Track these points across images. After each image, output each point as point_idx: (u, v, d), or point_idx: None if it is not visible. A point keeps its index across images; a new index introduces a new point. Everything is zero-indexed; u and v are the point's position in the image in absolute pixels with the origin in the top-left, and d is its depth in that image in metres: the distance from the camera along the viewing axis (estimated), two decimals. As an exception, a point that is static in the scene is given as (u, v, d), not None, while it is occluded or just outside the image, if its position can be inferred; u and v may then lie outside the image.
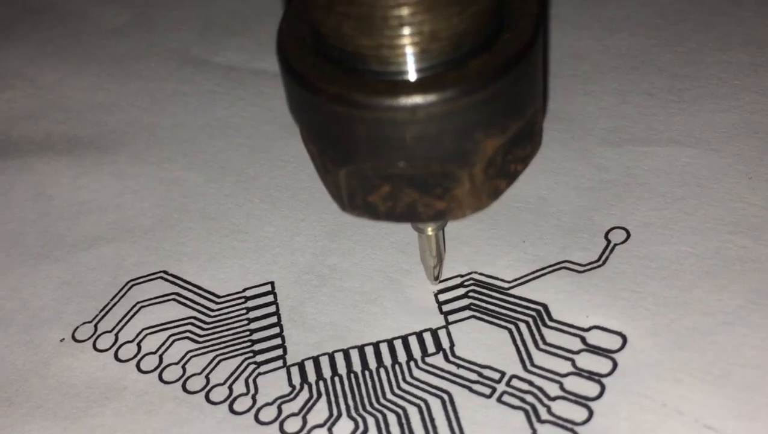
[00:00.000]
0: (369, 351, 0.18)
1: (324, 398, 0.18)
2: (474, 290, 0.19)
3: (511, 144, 0.16)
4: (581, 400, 0.17)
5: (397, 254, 0.20)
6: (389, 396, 0.18)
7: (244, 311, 0.20)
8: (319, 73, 0.15)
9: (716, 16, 0.24)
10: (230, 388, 0.18)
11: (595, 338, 0.18)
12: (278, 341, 0.19)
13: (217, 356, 0.19)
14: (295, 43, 0.16)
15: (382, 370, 0.18)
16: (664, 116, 0.22)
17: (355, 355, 0.18)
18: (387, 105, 0.14)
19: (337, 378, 0.18)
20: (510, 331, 0.18)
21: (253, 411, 0.18)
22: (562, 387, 0.17)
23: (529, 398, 0.17)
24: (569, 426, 0.16)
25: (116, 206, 0.23)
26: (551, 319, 0.18)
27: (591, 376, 0.17)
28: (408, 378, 0.18)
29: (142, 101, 0.26)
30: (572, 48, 0.24)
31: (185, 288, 0.20)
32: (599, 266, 0.19)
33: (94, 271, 0.21)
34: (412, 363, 0.18)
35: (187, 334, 0.19)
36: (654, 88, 0.23)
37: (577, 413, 0.17)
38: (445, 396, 0.17)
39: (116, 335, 0.20)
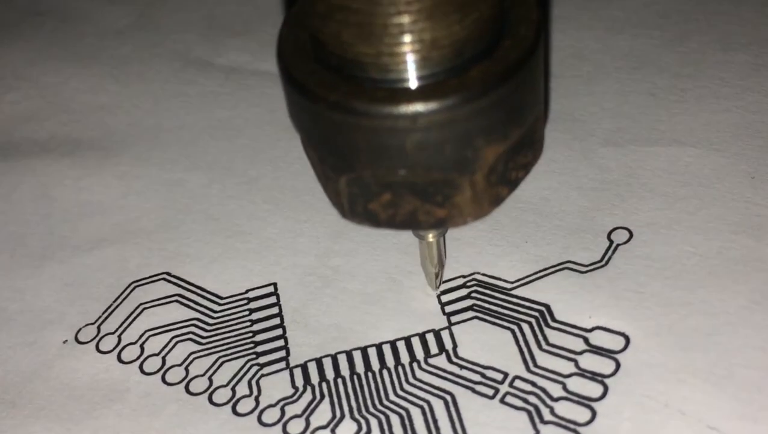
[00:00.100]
0: (372, 353, 0.18)
1: (327, 399, 0.18)
2: (477, 291, 0.19)
3: (513, 151, 0.16)
4: (584, 401, 0.17)
5: (400, 255, 0.20)
6: (392, 397, 0.18)
7: (247, 312, 0.20)
8: (319, 80, 0.15)
9: (718, 16, 0.24)
10: (233, 390, 0.18)
11: (598, 338, 0.18)
12: (281, 342, 0.19)
13: (220, 357, 0.19)
14: (295, 50, 0.16)
15: (384, 371, 0.18)
16: (666, 116, 0.22)
17: (357, 356, 0.18)
18: (387, 113, 0.14)
19: (340, 380, 0.18)
20: (513, 332, 0.18)
21: (256, 412, 0.18)
22: (565, 388, 0.17)
23: (532, 399, 0.17)
24: (572, 426, 0.16)
25: (119, 207, 0.23)
26: (554, 320, 0.18)
27: (594, 377, 0.17)
28: (411, 380, 0.18)
29: (145, 103, 0.26)
30: (574, 49, 0.24)
31: (188, 290, 0.20)
32: (602, 266, 0.19)
33: (97, 273, 0.21)
34: (414, 365, 0.18)
35: (190, 336, 0.19)
36: (656, 89, 0.23)
37: (580, 414, 0.17)
38: (448, 397, 0.17)
39: (119, 336, 0.20)
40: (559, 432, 0.16)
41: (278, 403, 0.18)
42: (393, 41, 0.14)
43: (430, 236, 0.18)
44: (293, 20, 0.16)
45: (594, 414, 0.17)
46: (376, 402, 0.18)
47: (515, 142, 0.16)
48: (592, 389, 0.17)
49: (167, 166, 0.24)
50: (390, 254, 0.20)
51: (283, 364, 0.18)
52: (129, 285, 0.21)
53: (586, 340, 0.18)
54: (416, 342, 0.18)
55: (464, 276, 0.19)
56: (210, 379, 0.19)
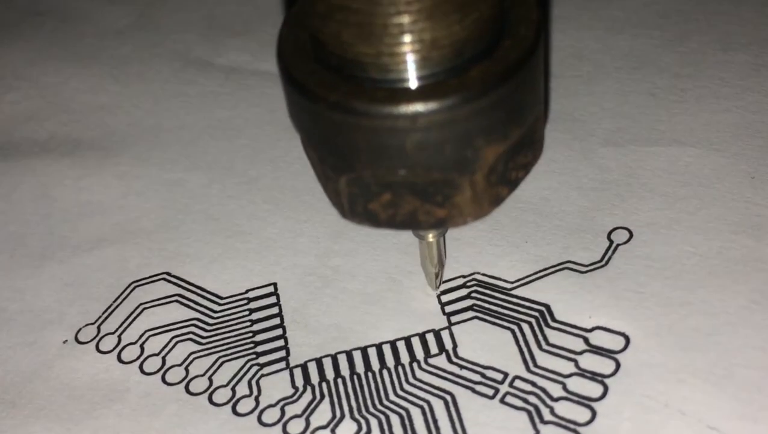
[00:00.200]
0: (372, 353, 0.18)
1: (327, 399, 0.18)
2: (476, 291, 0.19)
3: (513, 151, 0.16)
4: (584, 401, 0.17)
5: (400, 255, 0.20)
6: (392, 397, 0.18)
7: (247, 312, 0.20)
8: (319, 80, 0.15)
9: (718, 16, 0.24)
10: (233, 390, 0.18)
11: (598, 338, 0.18)
12: (281, 342, 0.19)
13: (220, 357, 0.19)
14: (295, 50, 0.16)
15: (385, 371, 0.18)
16: (666, 116, 0.22)
17: (358, 356, 0.18)
18: (387, 113, 0.14)
19: (340, 380, 0.18)
20: (513, 332, 0.18)
21: (256, 412, 0.18)
22: (565, 388, 0.17)
23: (532, 399, 0.17)
24: (572, 426, 0.16)
25: (119, 207, 0.23)
26: (554, 320, 0.18)
27: (594, 377, 0.17)
28: (411, 380, 0.18)
29: (145, 103, 0.26)
30: (574, 49, 0.24)
31: (188, 290, 0.20)
32: (602, 266, 0.19)
33: (97, 273, 0.21)
34: (414, 365, 0.18)
35: (190, 336, 0.19)
36: (656, 89, 0.23)
37: (580, 414, 0.17)
38: (448, 397, 0.17)
39: (119, 336, 0.20)
40: (559, 432, 0.16)
41: (278, 403, 0.18)
42: (393, 41, 0.14)
43: (430, 236, 0.18)
44: (293, 20, 0.16)
45: (594, 414, 0.17)
46: (376, 402, 0.18)
47: (515, 142, 0.16)
48: (592, 389, 0.17)
49: (167, 166, 0.24)
50: (390, 254, 0.20)
51: (283, 364, 0.18)
52: (129, 285, 0.21)
53: (586, 340, 0.18)
54: (416, 342, 0.18)
55: (464, 276, 0.19)
56: (210, 379, 0.19)
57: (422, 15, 0.14)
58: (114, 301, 0.20)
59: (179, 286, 0.21)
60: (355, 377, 0.18)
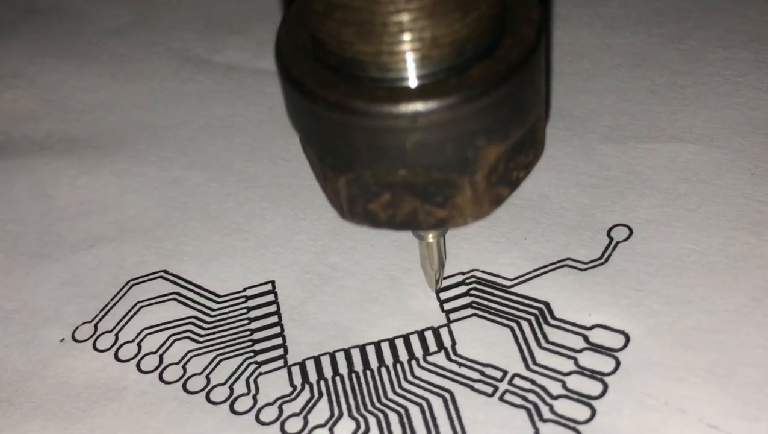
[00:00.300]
0: (370, 350, 0.18)
1: (325, 398, 0.18)
2: (476, 288, 0.19)
3: (514, 151, 0.16)
4: (584, 399, 0.17)
5: (399, 252, 0.20)
6: (391, 395, 0.18)
7: (245, 310, 0.20)
8: (317, 79, 0.15)
9: (718, 13, 0.24)
10: (231, 388, 0.18)
11: (597, 336, 0.18)
12: (279, 340, 0.19)
13: (217, 356, 0.19)
14: (294, 49, 0.16)
15: (383, 369, 0.18)
16: (666, 113, 0.22)
17: (356, 354, 0.18)
18: (387, 112, 0.14)
19: (338, 378, 0.18)
20: (512, 329, 0.18)
21: (254, 411, 0.18)
22: (564, 386, 0.17)
23: (532, 397, 0.17)
24: (572, 424, 0.16)
25: (117, 205, 0.23)
26: (553, 317, 0.18)
27: (594, 375, 0.17)
28: (410, 377, 0.18)
29: (143, 101, 0.26)
30: (574, 46, 0.24)
31: (186, 288, 0.20)
32: (602, 264, 0.19)
33: (94, 271, 0.21)
34: (413, 362, 0.18)
35: (188, 334, 0.19)
36: (656, 86, 0.23)
37: (580, 412, 0.17)
38: (447, 395, 0.17)
39: (116, 335, 0.20)
40: (558, 430, 0.16)
41: (276, 401, 0.18)
42: (393, 40, 0.14)
43: (430, 237, 0.18)
44: (292, 19, 0.16)
45: (594, 412, 0.16)
46: (375, 400, 0.17)
47: (516, 141, 0.16)
48: (592, 387, 0.17)
49: (165, 164, 0.24)
50: (389, 252, 0.20)
51: (281, 362, 0.18)
52: (126, 283, 0.21)
53: (585, 338, 0.18)
54: (415, 340, 0.18)
55: (463, 273, 0.19)
56: (207, 377, 0.18)
57: (422, 13, 0.14)
58: (111, 299, 0.20)
59: (177, 284, 0.20)
60: (353, 375, 0.18)
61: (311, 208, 0.21)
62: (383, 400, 0.17)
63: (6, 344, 0.20)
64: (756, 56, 0.23)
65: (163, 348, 0.19)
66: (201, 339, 0.19)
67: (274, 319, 0.19)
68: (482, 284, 0.19)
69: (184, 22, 0.28)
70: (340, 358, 0.18)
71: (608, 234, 0.19)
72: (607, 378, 0.17)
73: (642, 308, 0.18)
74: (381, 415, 0.17)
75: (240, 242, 0.21)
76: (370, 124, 0.15)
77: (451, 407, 0.17)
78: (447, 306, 0.19)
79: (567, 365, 0.17)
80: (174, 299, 0.20)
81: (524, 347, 0.18)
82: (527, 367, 0.17)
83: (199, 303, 0.20)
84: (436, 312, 0.19)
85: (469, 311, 0.19)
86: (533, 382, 0.17)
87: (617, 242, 0.19)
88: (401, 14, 0.14)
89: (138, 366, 0.19)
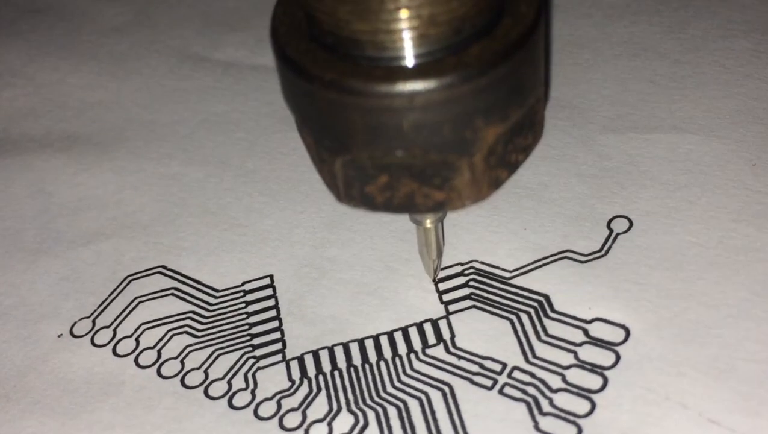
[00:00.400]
0: (369, 344, 0.18)
1: (324, 392, 0.18)
2: (475, 280, 0.19)
3: (513, 133, 0.16)
4: (584, 392, 0.17)
5: (397, 242, 0.20)
6: (389, 389, 0.17)
7: (243, 305, 0.20)
8: (313, 59, 0.15)
9: (718, 2, 0.24)
10: (229, 383, 0.18)
11: (597, 330, 0.17)
12: (277, 335, 0.19)
13: (216, 350, 0.19)
14: (290, 29, 0.16)
15: (382, 363, 0.18)
16: (666, 103, 0.22)
17: (354, 349, 0.18)
18: (384, 92, 0.14)
19: (336, 372, 0.18)
20: (511, 322, 0.18)
21: (253, 406, 0.18)
22: (564, 379, 0.17)
23: (531, 390, 0.17)
24: (572, 418, 0.16)
25: (115, 202, 0.23)
26: (553, 310, 0.18)
27: (594, 368, 0.17)
28: (408, 371, 0.18)
29: (142, 98, 0.26)
30: (573, 36, 0.24)
31: (184, 283, 0.20)
32: (602, 256, 0.19)
33: (92, 266, 0.21)
34: (412, 355, 0.18)
35: (186, 329, 0.19)
36: (656, 76, 0.22)
37: (580, 405, 0.16)
38: (446, 389, 0.17)
39: (114, 330, 0.20)
40: (558, 424, 0.16)
41: (275, 396, 0.18)
42: (390, 17, 0.14)
43: (428, 222, 0.18)
44: None
45: (594, 405, 0.16)
46: (374, 394, 0.17)
47: (515, 123, 0.16)
48: (592, 381, 0.17)
49: (164, 160, 0.23)
50: (387, 242, 0.20)
51: (279, 357, 0.18)
52: (124, 279, 0.21)
53: (585, 331, 0.18)
54: (414, 332, 0.18)
55: (462, 264, 0.19)
56: (206, 372, 0.18)
57: None
58: (109, 295, 0.20)
59: (175, 279, 0.20)
60: (352, 369, 0.18)
61: (309, 201, 0.21)
62: (382, 394, 0.17)
63: (4, 339, 0.20)
64: (756, 46, 0.23)
65: (162, 343, 0.19)
66: (199, 334, 0.19)
67: (273, 313, 0.19)
68: (481, 275, 0.19)
69: (183, 20, 0.28)
70: (339, 352, 0.18)
71: (608, 226, 0.19)
72: (607, 372, 0.17)
73: (642, 302, 0.18)
74: (380, 409, 0.17)
75: (238, 237, 0.21)
76: (366, 104, 0.14)
77: (450, 400, 0.17)
78: (446, 297, 0.19)
79: (567, 358, 0.17)
80: (172, 294, 0.20)
81: (524, 340, 0.18)
82: (527, 360, 0.17)
83: (197, 298, 0.20)
84: (435, 304, 0.19)
85: (468, 303, 0.19)
86: (533, 375, 0.17)
87: (617, 234, 0.19)
88: None
89: (136, 361, 0.19)
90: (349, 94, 0.14)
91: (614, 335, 0.17)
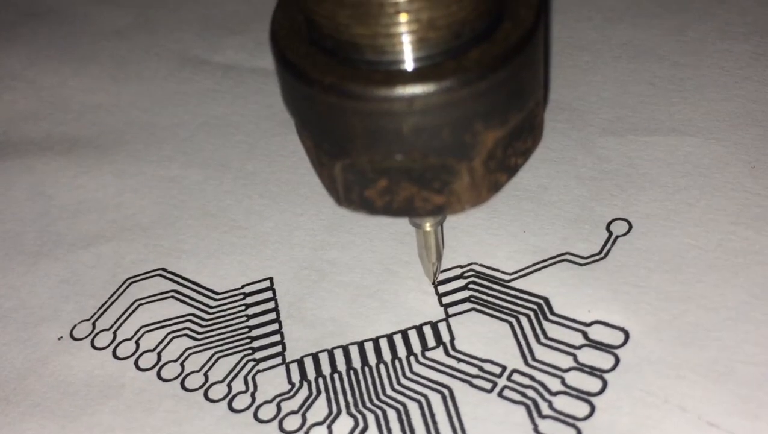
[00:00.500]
0: (368, 347, 0.18)
1: (323, 395, 0.18)
2: (474, 282, 0.19)
3: (512, 137, 0.16)
4: (583, 395, 0.17)
5: (397, 245, 0.20)
6: (389, 392, 0.17)
7: (243, 307, 0.20)
8: (313, 62, 0.15)
9: (718, 5, 0.24)
10: (229, 386, 0.18)
11: (596, 333, 0.18)
12: (277, 337, 0.19)
13: (215, 353, 0.19)
14: (289, 33, 0.16)
15: (381, 366, 0.18)
16: (665, 106, 0.22)
17: (354, 351, 0.18)
18: (383, 96, 0.14)
19: (336, 375, 0.18)
20: (511, 324, 0.18)
21: (252, 408, 0.18)
22: (563, 382, 0.17)
23: (531, 393, 0.17)
24: (571, 421, 0.16)
25: (115, 204, 0.23)
26: (552, 313, 0.18)
27: (593, 371, 0.17)
28: (408, 373, 0.18)
29: (142, 102, 0.26)
30: (573, 38, 0.24)
31: (184, 285, 0.20)
32: (601, 258, 0.19)
33: (92, 269, 0.21)
34: (412, 358, 0.18)
35: (186, 331, 0.19)
36: (655, 78, 0.22)
37: (579, 408, 0.16)
38: (446, 391, 0.17)
39: (114, 333, 0.20)
40: (557, 427, 0.16)
41: (274, 399, 0.18)
42: (389, 22, 0.14)
43: (428, 226, 0.18)
44: (288, 2, 0.16)
45: (593, 408, 0.16)
46: (373, 397, 0.17)
47: (515, 127, 0.16)
48: (591, 383, 0.17)
49: (164, 163, 0.24)
50: (387, 245, 0.20)
51: (279, 359, 0.18)
52: (124, 282, 0.21)
53: (585, 334, 0.18)
54: (413, 335, 0.18)
55: (461, 266, 0.19)
56: (206, 375, 0.18)
57: None
58: (109, 297, 0.20)
59: (175, 282, 0.20)
60: (351, 372, 0.18)
61: (309, 204, 0.21)
62: (382, 397, 0.17)
63: (4, 342, 0.20)
64: (756, 48, 0.23)
65: (161, 346, 0.19)
66: (199, 337, 0.19)
67: (272, 316, 0.19)
68: (481, 278, 0.19)
69: (183, 24, 0.28)
70: (339, 355, 0.18)
71: (607, 228, 0.19)
72: (606, 375, 0.17)
73: (641, 305, 0.18)
74: (379, 412, 0.17)
75: (238, 239, 0.21)
76: (366, 107, 0.14)
77: (449, 403, 0.17)
78: (445, 300, 0.19)
79: (566, 361, 0.17)
80: (172, 296, 0.20)
81: (523, 342, 0.18)
82: (526, 363, 0.17)
83: (197, 301, 0.20)
84: (435, 307, 0.19)
85: (468, 305, 0.19)
86: (532, 378, 0.17)
87: (617, 237, 0.19)
88: None
89: (136, 363, 0.19)
90: (348, 98, 0.14)
91: (613, 337, 0.17)
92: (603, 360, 0.17)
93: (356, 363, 0.18)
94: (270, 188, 0.22)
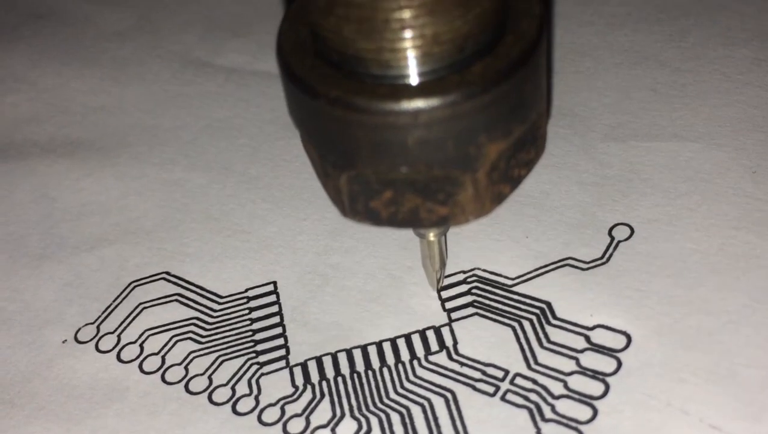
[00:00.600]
0: (372, 351, 0.18)
1: (327, 398, 0.18)
2: (477, 288, 0.19)
3: (515, 148, 0.16)
4: (585, 399, 0.17)
5: (400, 250, 0.20)
6: (392, 395, 0.18)
7: (247, 311, 0.20)
8: (319, 76, 0.15)
9: (719, 11, 0.24)
10: (233, 389, 0.18)
11: (599, 337, 0.18)
12: (281, 341, 0.19)
13: (219, 356, 0.19)
14: (295, 46, 0.16)
15: (385, 370, 0.18)
16: (667, 111, 0.22)
17: (358, 355, 0.18)
18: (388, 109, 0.14)
19: (340, 378, 0.18)
20: (514, 329, 0.18)
21: (256, 412, 0.18)
22: (566, 386, 0.17)
23: (533, 396, 0.17)
24: (573, 425, 0.16)
25: (119, 207, 0.23)
26: (555, 317, 0.18)
27: (595, 375, 0.17)
28: (411, 377, 0.18)
29: (145, 104, 0.26)
30: (575, 44, 0.24)
31: (188, 289, 0.20)
32: (603, 263, 0.19)
33: (96, 272, 0.21)
34: (415, 362, 0.18)
35: (190, 335, 0.19)
36: (657, 84, 0.23)
37: (582, 412, 0.17)
38: (449, 395, 0.17)
39: (119, 336, 0.20)
40: (560, 430, 0.16)
41: (278, 402, 0.18)
42: (394, 36, 0.14)
43: (432, 235, 0.18)
44: (294, 15, 0.16)
45: (595, 412, 0.16)
46: (377, 400, 0.17)
47: (518, 139, 0.16)
48: (594, 387, 0.17)
49: (167, 166, 0.24)
50: (390, 251, 0.20)
51: (283, 363, 0.18)
52: (128, 285, 0.21)
53: (587, 338, 0.18)
54: (416, 339, 0.18)
55: (464, 272, 0.19)
56: (210, 378, 0.18)
57: (424, 9, 0.14)
58: (113, 301, 0.20)
59: (179, 285, 0.20)
60: (355, 375, 0.18)
61: (312, 208, 0.22)
62: (385, 400, 0.17)
63: (8, 345, 0.20)
64: (756, 54, 0.23)
65: (165, 349, 0.19)
66: (203, 340, 0.19)
67: (276, 320, 0.19)
68: (484, 283, 0.19)
69: (186, 26, 0.28)
70: (342, 358, 0.18)
71: (609, 233, 0.19)
72: (608, 379, 0.17)
73: (643, 309, 0.18)
74: (383, 415, 0.17)
75: (242, 243, 0.21)
76: (371, 121, 0.15)
77: (452, 406, 0.17)
78: (448, 305, 0.19)
79: (569, 365, 0.17)
80: (176, 300, 0.20)
81: (526, 346, 0.18)
82: (529, 367, 0.17)
83: (201, 304, 0.20)
84: (438, 312, 0.19)
85: (471, 310, 0.19)
86: (535, 382, 0.17)
87: (618, 242, 0.19)
88: (402, 11, 0.14)
89: (140, 367, 0.19)
90: (354, 111, 0.15)
91: (616, 341, 0.17)
92: (605, 364, 0.17)
93: (360, 366, 0.18)
94: (273, 193, 0.22)
